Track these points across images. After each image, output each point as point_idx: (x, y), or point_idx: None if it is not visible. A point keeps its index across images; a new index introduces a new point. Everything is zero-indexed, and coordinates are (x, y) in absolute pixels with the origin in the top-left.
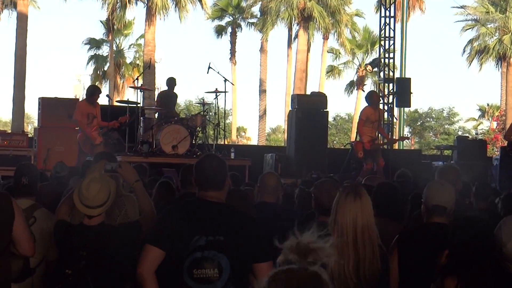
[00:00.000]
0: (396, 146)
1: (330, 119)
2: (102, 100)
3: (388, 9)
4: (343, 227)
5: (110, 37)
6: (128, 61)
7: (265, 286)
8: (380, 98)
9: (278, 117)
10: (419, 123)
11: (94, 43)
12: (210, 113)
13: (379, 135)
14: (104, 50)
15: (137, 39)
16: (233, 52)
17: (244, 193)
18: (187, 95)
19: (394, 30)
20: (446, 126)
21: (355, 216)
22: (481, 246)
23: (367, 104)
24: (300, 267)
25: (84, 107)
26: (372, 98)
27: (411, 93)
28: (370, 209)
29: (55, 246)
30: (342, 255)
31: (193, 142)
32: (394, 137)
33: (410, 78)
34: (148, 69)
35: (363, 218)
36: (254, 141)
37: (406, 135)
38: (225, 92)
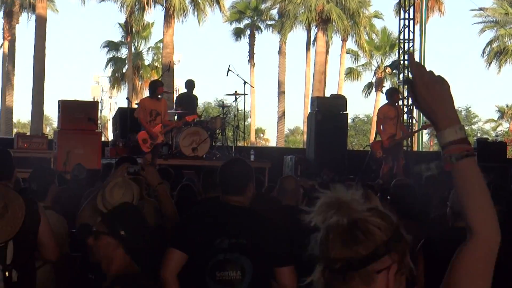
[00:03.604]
0: (415, 147)
1: (349, 121)
2: (122, 102)
3: (407, 11)
4: None
5: (128, 40)
6: (146, 63)
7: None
8: (399, 96)
9: (297, 118)
10: None
11: (112, 46)
12: (229, 115)
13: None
14: (123, 53)
15: (156, 43)
16: (251, 54)
17: (270, 197)
18: (205, 97)
19: (413, 32)
20: (465, 128)
21: None
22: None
23: (386, 102)
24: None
25: (146, 103)
26: (392, 96)
27: None
28: None
29: (60, 244)
30: None
31: (213, 144)
32: (414, 129)
33: None
34: (168, 71)
35: None
36: (272, 143)
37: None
38: (244, 94)
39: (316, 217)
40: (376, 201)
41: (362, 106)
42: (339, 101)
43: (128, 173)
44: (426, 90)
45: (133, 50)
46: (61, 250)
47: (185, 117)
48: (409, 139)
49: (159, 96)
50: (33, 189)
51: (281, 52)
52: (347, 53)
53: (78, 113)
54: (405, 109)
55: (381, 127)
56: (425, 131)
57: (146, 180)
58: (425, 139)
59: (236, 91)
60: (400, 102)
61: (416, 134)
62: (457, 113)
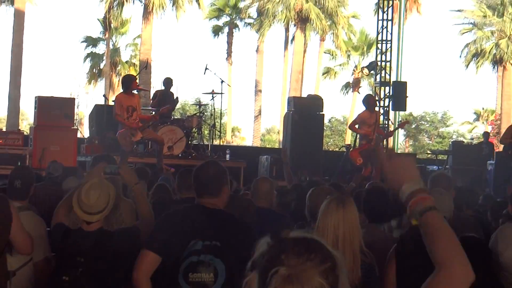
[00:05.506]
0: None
1: (325, 121)
2: (99, 99)
3: (386, 12)
4: (324, 234)
5: (107, 36)
6: (124, 59)
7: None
8: (376, 102)
9: (273, 117)
10: (413, 126)
11: (90, 41)
12: (206, 114)
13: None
14: (101, 48)
15: (134, 38)
16: (229, 52)
17: (244, 200)
18: (182, 95)
19: (391, 33)
20: (440, 130)
21: (336, 224)
22: (478, 260)
23: (364, 108)
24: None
25: (122, 100)
26: (368, 102)
27: (407, 96)
28: (354, 218)
29: (42, 247)
30: None
31: (189, 142)
32: (390, 130)
33: (406, 82)
34: (145, 69)
35: (345, 226)
36: (248, 141)
37: (405, 120)
38: (221, 93)
39: None
40: (352, 205)
41: (339, 106)
42: (315, 102)
43: (104, 173)
44: (392, 170)
45: (111, 46)
46: (43, 253)
47: (160, 110)
48: (384, 140)
49: (133, 91)
50: (17, 187)
51: (258, 50)
52: (325, 53)
53: (54, 109)
54: (381, 111)
55: (358, 129)
56: (401, 132)
57: (123, 180)
58: (400, 140)
59: (213, 90)
60: (377, 108)
61: (392, 136)
62: (419, 175)
